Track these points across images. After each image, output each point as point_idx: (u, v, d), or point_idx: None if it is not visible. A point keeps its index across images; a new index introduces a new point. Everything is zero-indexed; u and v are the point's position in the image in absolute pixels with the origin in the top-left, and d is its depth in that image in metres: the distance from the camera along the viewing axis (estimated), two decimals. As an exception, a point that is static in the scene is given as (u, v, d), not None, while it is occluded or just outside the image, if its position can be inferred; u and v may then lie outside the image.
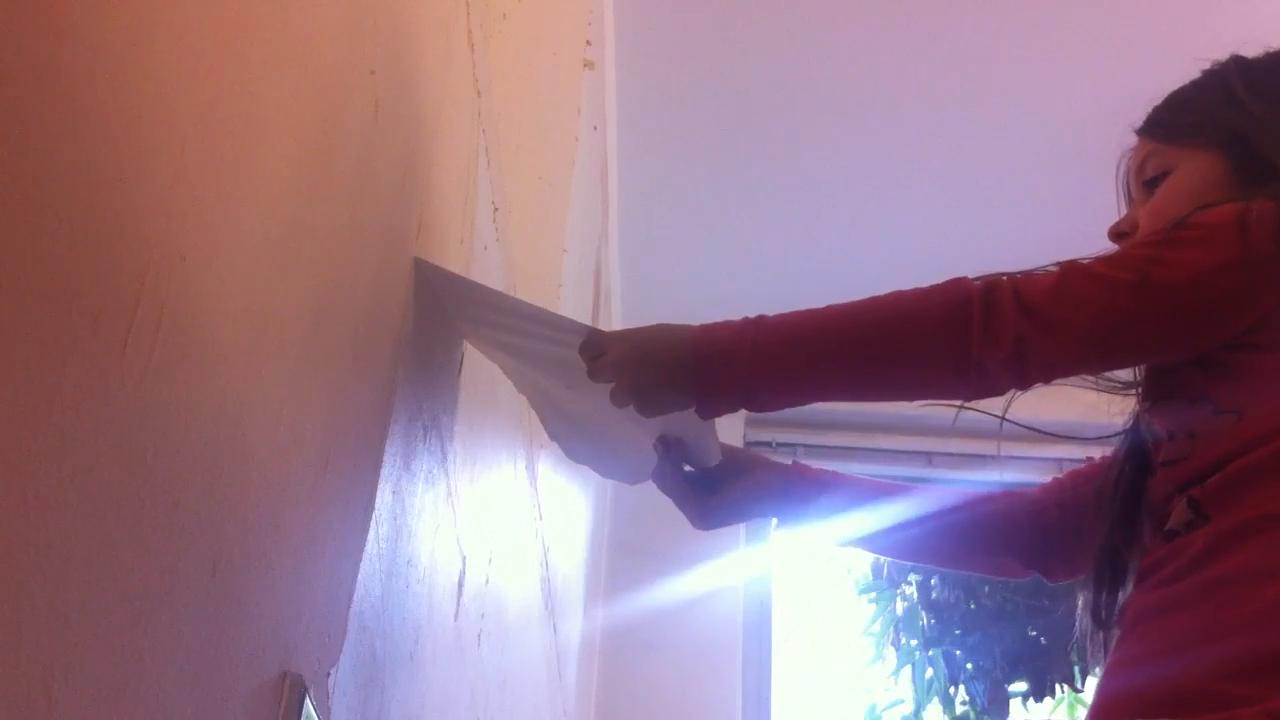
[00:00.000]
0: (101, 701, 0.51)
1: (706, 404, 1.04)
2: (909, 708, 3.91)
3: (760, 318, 1.04)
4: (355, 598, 0.90)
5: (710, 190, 3.18)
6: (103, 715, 0.51)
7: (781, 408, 1.04)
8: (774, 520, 1.27)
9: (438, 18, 1.11)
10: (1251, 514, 0.93)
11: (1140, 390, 1.12)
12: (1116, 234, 1.19)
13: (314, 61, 0.77)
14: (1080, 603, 1.14)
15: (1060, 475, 1.28)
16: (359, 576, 0.91)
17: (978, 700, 3.82)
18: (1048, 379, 1.02)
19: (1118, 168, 1.22)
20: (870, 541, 1.30)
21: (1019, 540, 1.25)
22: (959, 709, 3.85)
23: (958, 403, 1.07)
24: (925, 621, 3.93)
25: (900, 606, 3.99)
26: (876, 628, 4.02)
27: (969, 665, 3.84)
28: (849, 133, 2.98)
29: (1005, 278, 1.00)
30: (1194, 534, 0.96)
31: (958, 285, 1.00)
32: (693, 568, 3.49)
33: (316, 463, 0.81)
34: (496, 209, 1.45)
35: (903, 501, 1.27)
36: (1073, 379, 1.07)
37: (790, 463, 1.28)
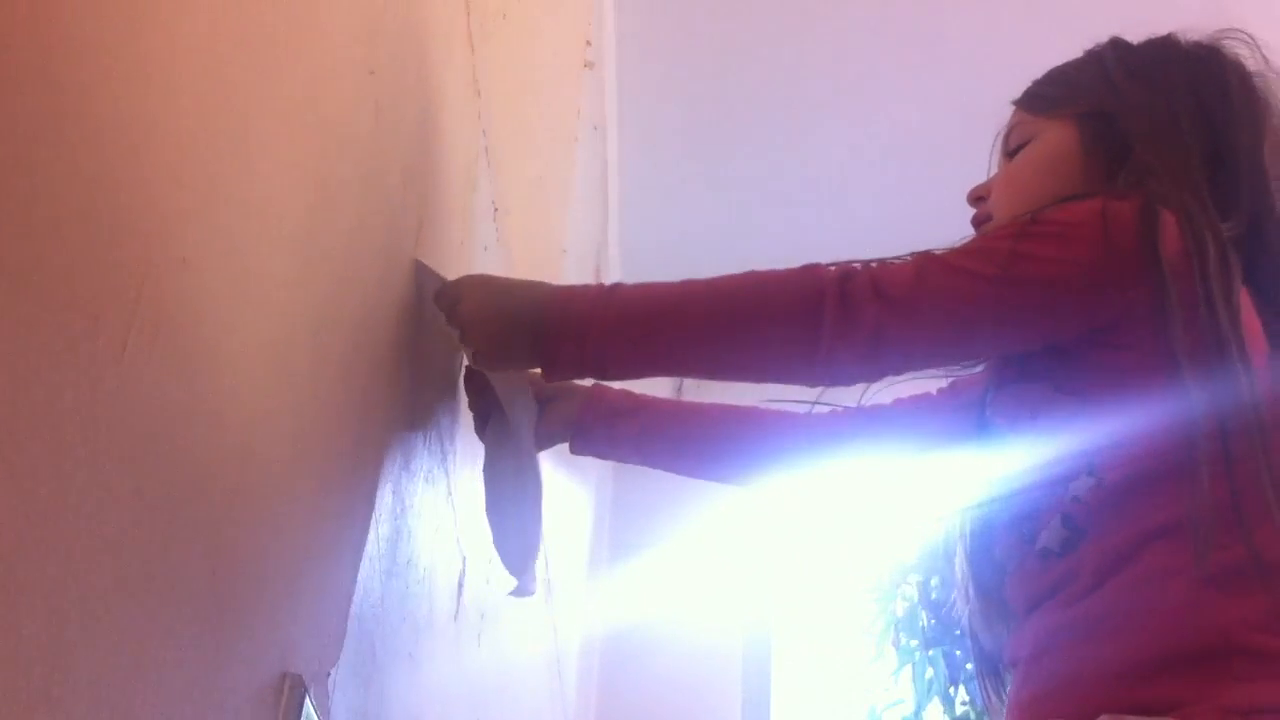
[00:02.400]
0: (101, 701, 0.51)
1: (553, 367, 1.02)
2: (909, 708, 3.91)
3: (616, 286, 1.03)
4: (355, 598, 0.90)
5: (711, 190, 3.18)
6: (103, 715, 0.51)
7: (630, 377, 1.03)
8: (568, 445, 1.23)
9: (437, 18, 1.11)
10: (1136, 529, 0.93)
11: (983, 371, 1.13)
12: (974, 197, 1.20)
13: (314, 63, 0.77)
14: (971, 643, 1.12)
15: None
16: (359, 576, 0.91)
17: (978, 701, 3.82)
18: (901, 370, 1.02)
19: (995, 138, 1.23)
20: (667, 465, 1.28)
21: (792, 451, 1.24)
22: (959, 709, 3.85)
23: (810, 395, 1.07)
24: (925, 622, 3.92)
25: (900, 607, 3.98)
26: (876, 628, 4.01)
27: (969, 665, 3.84)
28: (850, 133, 2.98)
29: (860, 266, 0.99)
30: (1078, 551, 0.96)
31: (813, 272, 0.99)
32: (693, 568, 3.49)
33: (316, 463, 0.81)
34: (496, 209, 1.45)
35: (698, 425, 1.25)
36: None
37: (591, 385, 1.24)
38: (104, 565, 0.51)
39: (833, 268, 0.99)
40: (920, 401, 1.24)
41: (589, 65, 2.31)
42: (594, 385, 1.23)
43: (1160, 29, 1.16)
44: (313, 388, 0.80)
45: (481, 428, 1.18)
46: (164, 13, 0.55)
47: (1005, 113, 1.22)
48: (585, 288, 1.04)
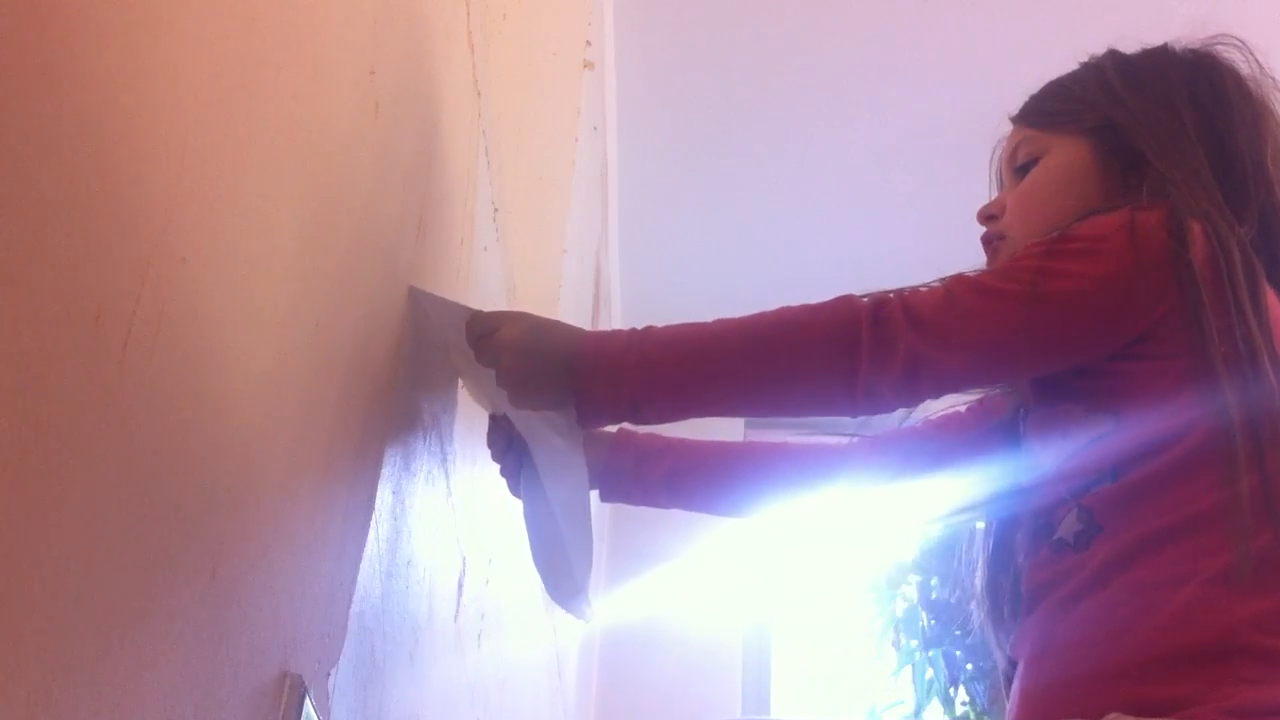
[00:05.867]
0: (101, 701, 0.51)
1: (588, 413, 1.01)
2: (909, 708, 3.91)
3: (648, 329, 1.02)
4: (355, 598, 0.90)
5: (710, 190, 3.18)
6: (103, 715, 0.51)
7: (666, 421, 1.01)
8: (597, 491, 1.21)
9: (438, 18, 1.11)
10: (1150, 528, 0.93)
11: (1015, 393, 1.13)
12: (985, 216, 1.19)
13: (314, 62, 0.77)
14: (989, 638, 1.12)
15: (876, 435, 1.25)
16: (359, 576, 0.91)
17: (978, 701, 3.82)
18: (938, 394, 1.01)
19: (992, 155, 1.22)
20: (701, 506, 1.27)
21: (823, 483, 1.24)
22: (959, 709, 3.85)
23: (848, 421, 1.06)
24: (925, 622, 3.92)
25: (900, 607, 3.98)
26: (876, 628, 4.01)
27: (969, 666, 3.83)
28: (850, 132, 2.98)
29: (893, 294, 0.99)
30: (1091, 547, 0.96)
31: (847, 304, 0.99)
32: (693, 568, 3.49)
33: (317, 463, 0.81)
34: (496, 209, 1.45)
35: (727, 463, 1.25)
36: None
37: (615, 430, 1.22)
38: (104, 565, 0.51)
39: (865, 298, 0.99)
40: (949, 421, 1.23)
41: (589, 65, 2.31)
42: (620, 429, 1.22)
43: (1147, 34, 1.17)
44: (313, 388, 0.80)
45: (515, 485, 1.17)
46: (164, 13, 0.55)
47: (1007, 121, 1.22)
48: (617, 331, 1.03)
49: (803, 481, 1.24)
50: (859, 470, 1.23)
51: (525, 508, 1.17)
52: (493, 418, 1.18)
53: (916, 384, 0.98)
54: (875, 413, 1.01)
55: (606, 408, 1.01)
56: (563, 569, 1.13)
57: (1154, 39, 1.16)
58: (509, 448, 1.15)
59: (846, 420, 1.11)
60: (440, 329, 1.11)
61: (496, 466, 1.19)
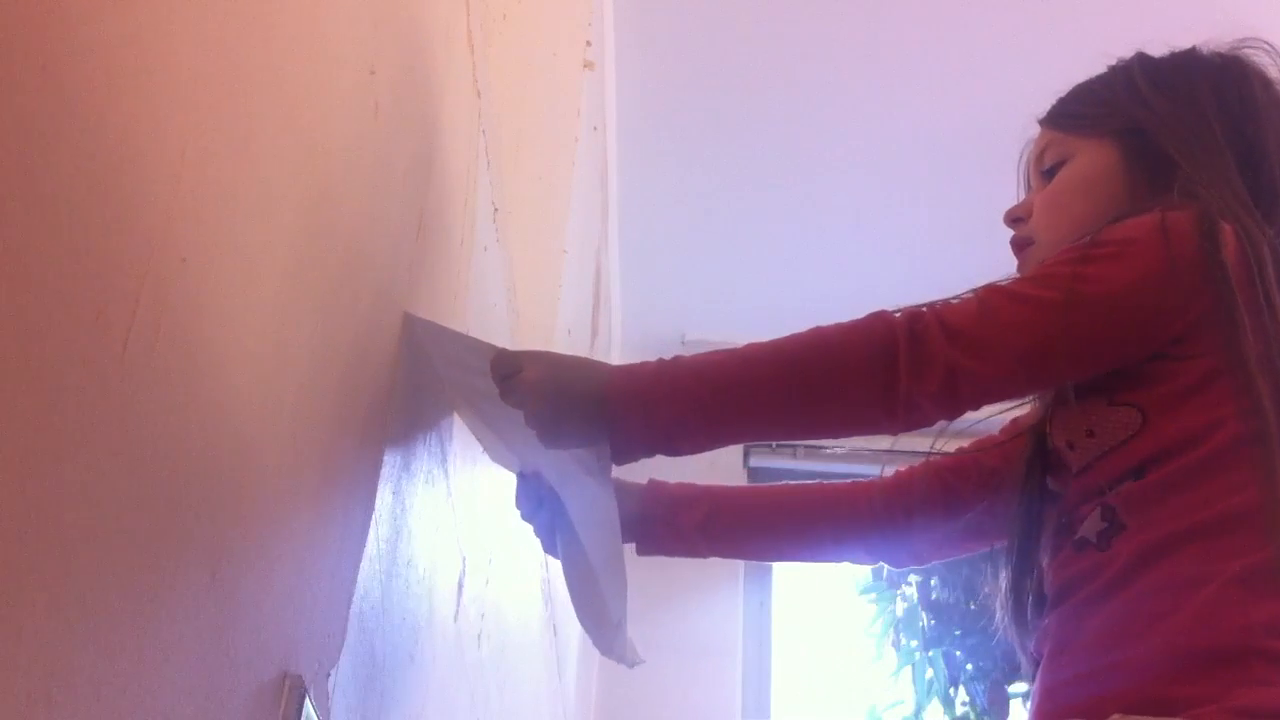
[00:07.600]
0: (101, 702, 0.51)
1: (622, 447, 0.99)
2: (909, 708, 3.91)
3: (676, 359, 1.00)
4: (355, 598, 0.90)
5: (710, 191, 3.18)
6: (103, 715, 0.51)
7: (700, 451, 0.99)
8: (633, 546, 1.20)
9: (438, 18, 1.11)
10: (1171, 528, 0.93)
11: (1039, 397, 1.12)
12: (1011, 219, 1.19)
13: (314, 62, 0.77)
14: (1011, 632, 1.12)
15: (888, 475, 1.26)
16: (359, 577, 0.91)
17: (978, 701, 3.82)
18: (978, 405, 1.00)
19: (1020, 157, 1.22)
20: (740, 552, 1.29)
21: (859, 535, 1.25)
22: (959, 709, 3.85)
23: (887, 437, 1.05)
24: (925, 622, 3.92)
25: (900, 607, 3.98)
26: (877, 628, 4.01)
27: (969, 666, 3.84)
28: (850, 133, 2.98)
29: (926, 308, 0.98)
30: (1114, 545, 0.96)
31: (881, 319, 0.98)
32: (693, 568, 3.49)
33: (316, 463, 0.81)
34: (496, 210, 1.45)
35: (767, 510, 1.26)
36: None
37: (646, 482, 1.23)
38: (104, 565, 0.51)
39: (898, 313, 0.98)
40: (980, 443, 1.23)
41: (589, 65, 2.31)
42: (649, 481, 1.23)
43: (1155, 39, 1.17)
44: (313, 387, 0.80)
45: (551, 545, 1.15)
46: (164, 12, 0.55)
47: (1017, 125, 1.22)
48: (645, 363, 1.01)
49: (843, 527, 1.24)
50: (897, 508, 1.23)
51: (564, 566, 1.14)
52: (521, 475, 1.16)
53: (957, 396, 0.97)
54: (915, 427, 0.99)
55: (639, 440, 0.98)
56: (605, 619, 1.11)
57: (1159, 45, 1.16)
58: (540, 506, 1.14)
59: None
60: (443, 365, 1.09)
61: (496, 467, 1.19)
